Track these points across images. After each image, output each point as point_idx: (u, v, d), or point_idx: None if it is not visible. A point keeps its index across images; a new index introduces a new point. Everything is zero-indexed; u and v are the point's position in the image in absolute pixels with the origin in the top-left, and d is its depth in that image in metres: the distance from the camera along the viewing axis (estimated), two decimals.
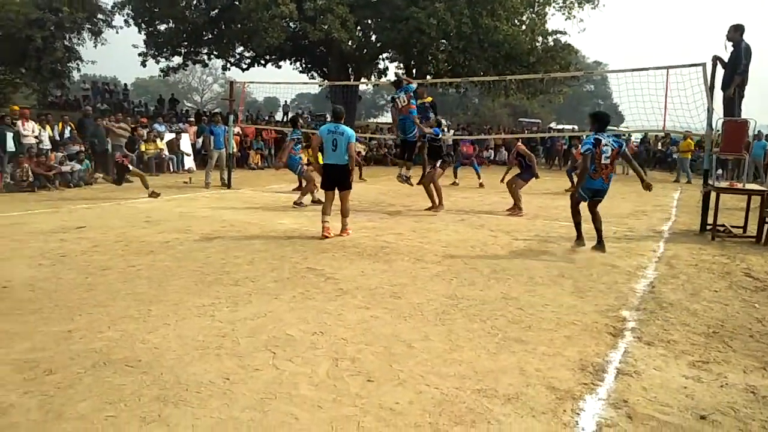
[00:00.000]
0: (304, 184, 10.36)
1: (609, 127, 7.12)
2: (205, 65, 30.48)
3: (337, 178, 7.26)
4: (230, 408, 2.82)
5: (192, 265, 5.60)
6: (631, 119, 10.40)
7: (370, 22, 24.35)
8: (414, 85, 9.48)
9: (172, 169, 15.86)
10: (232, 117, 12.63)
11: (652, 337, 3.94)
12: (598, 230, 6.73)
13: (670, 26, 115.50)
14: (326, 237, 7.12)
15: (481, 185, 14.57)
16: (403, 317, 4.24)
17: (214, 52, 26.58)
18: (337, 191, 7.34)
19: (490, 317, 4.27)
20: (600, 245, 6.69)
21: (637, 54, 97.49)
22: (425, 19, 20.84)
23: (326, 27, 20.19)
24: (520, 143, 10.17)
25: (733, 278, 5.64)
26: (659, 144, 24.27)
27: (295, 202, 9.78)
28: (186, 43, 25.47)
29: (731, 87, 7.83)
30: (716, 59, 8.00)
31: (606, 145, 6.48)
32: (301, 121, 11.26)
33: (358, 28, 23.76)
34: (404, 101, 9.28)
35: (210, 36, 25.40)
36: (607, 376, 3.28)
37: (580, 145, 7.20)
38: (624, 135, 22.17)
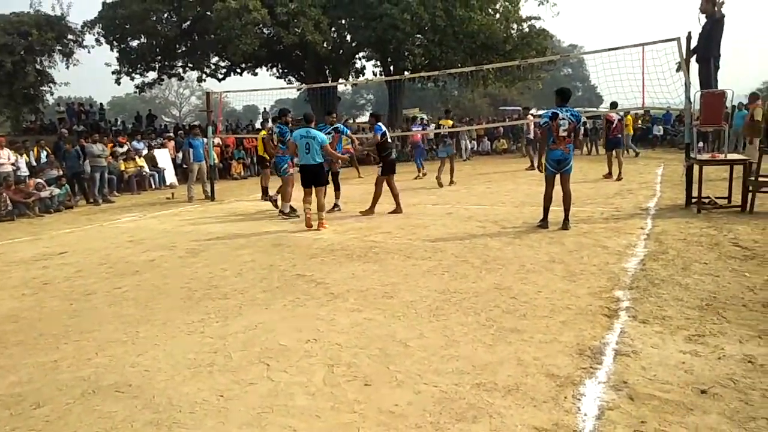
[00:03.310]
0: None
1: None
2: (181, 78, 30.19)
3: (312, 177, 8.14)
4: (226, 426, 2.75)
5: (179, 282, 5.51)
6: (610, 98, 10.42)
7: (343, 22, 24.26)
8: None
9: (153, 186, 15.68)
10: (210, 128, 12.50)
11: (646, 315, 3.92)
12: (566, 209, 7.12)
13: (643, 2, 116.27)
14: (311, 226, 7.99)
15: (423, 175, 14.89)
16: (397, 317, 4.19)
17: (189, 65, 26.36)
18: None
19: (485, 309, 4.23)
20: (565, 224, 7.08)
21: (612, 33, 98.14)
22: (399, 14, 20.78)
23: (300, 30, 20.09)
24: (610, 114, 12.41)
25: (721, 249, 5.65)
26: (639, 121, 24.39)
27: (280, 211, 9.63)
28: (160, 58, 25.22)
29: (704, 54, 7.84)
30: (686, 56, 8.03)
31: (563, 118, 6.95)
32: (291, 115, 10.25)
33: (332, 29, 23.65)
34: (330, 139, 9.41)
35: (183, 48, 25.18)
36: (605, 359, 3.25)
37: (539, 120, 7.58)
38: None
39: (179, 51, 25.24)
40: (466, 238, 6.88)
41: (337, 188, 9.81)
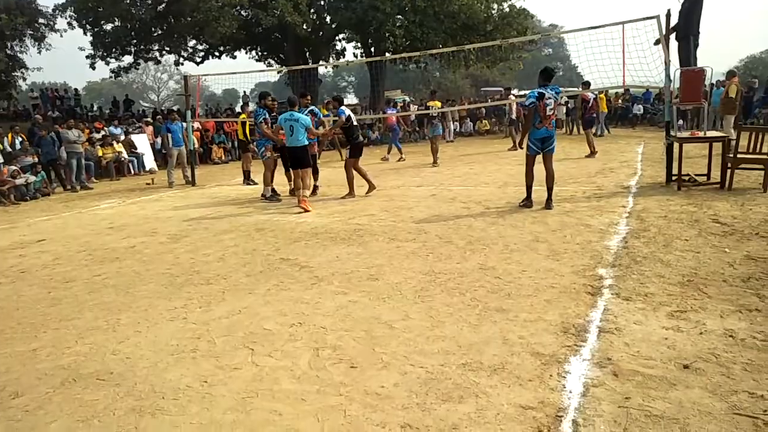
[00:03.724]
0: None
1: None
2: (158, 62, 29.53)
3: (296, 159, 8.36)
4: (211, 411, 2.72)
5: (160, 268, 5.42)
6: (591, 78, 10.39)
7: (322, 3, 23.93)
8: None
9: (132, 172, 15.40)
10: (189, 112, 12.27)
11: (629, 292, 3.95)
12: (549, 188, 7.14)
13: None
14: (305, 210, 7.98)
15: (384, 159, 14.65)
16: (382, 299, 4.17)
17: (166, 48, 25.78)
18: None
19: (469, 289, 4.23)
20: (548, 203, 7.08)
21: (591, 11, 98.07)
22: None
23: (278, 12, 19.73)
24: (585, 94, 12.54)
25: (701, 226, 5.71)
26: (619, 100, 24.53)
27: (262, 195, 9.53)
28: (135, 41, 24.60)
29: (682, 33, 7.89)
30: (667, 31, 8.04)
31: (549, 97, 6.99)
32: (270, 98, 9.87)
33: (311, 10, 23.29)
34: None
35: (160, 32, 24.57)
36: (589, 336, 3.27)
37: (524, 100, 7.65)
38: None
39: (155, 34, 24.63)
40: (450, 219, 6.87)
41: (315, 171, 9.66)
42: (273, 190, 9.45)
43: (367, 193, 9.08)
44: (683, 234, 5.42)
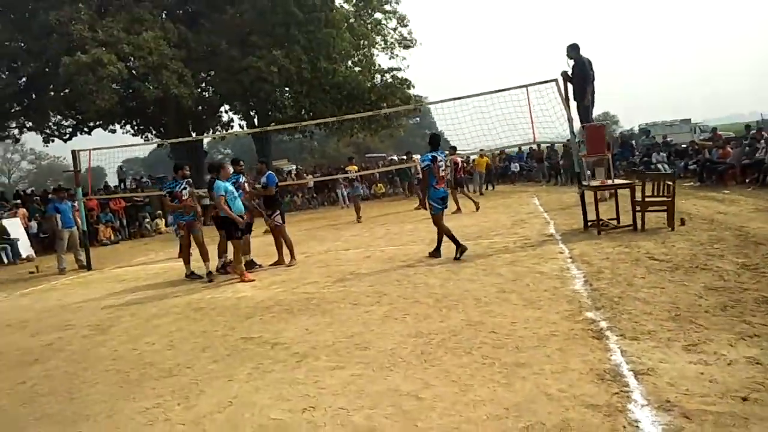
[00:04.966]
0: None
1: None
2: (17, 141, 26.88)
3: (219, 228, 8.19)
4: None
5: (101, 365, 4.59)
6: (497, 138, 10.90)
7: (205, 75, 23.50)
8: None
9: (6, 261, 13.37)
10: (80, 190, 11.04)
11: (631, 332, 3.98)
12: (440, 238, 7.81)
13: (480, 55, 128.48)
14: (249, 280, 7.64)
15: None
16: (386, 368, 3.83)
17: (26, 125, 23.54)
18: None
19: (473, 347, 4.04)
20: (438, 251, 7.82)
21: (455, 84, 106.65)
22: (266, 67, 20.59)
23: (164, 83, 18.95)
24: (454, 157, 13.49)
25: (645, 264, 6.03)
26: (497, 159, 26.40)
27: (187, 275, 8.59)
28: None
29: (586, 97, 8.68)
30: (564, 75, 8.84)
31: (441, 160, 7.84)
32: (187, 168, 9.07)
33: (195, 82, 22.72)
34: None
35: (19, 108, 22.44)
36: (628, 380, 3.20)
37: (420, 163, 8.22)
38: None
39: (13, 111, 22.45)
40: (400, 278, 6.68)
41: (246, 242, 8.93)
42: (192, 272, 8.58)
43: (271, 264, 8.72)
44: (635, 273, 5.69)
